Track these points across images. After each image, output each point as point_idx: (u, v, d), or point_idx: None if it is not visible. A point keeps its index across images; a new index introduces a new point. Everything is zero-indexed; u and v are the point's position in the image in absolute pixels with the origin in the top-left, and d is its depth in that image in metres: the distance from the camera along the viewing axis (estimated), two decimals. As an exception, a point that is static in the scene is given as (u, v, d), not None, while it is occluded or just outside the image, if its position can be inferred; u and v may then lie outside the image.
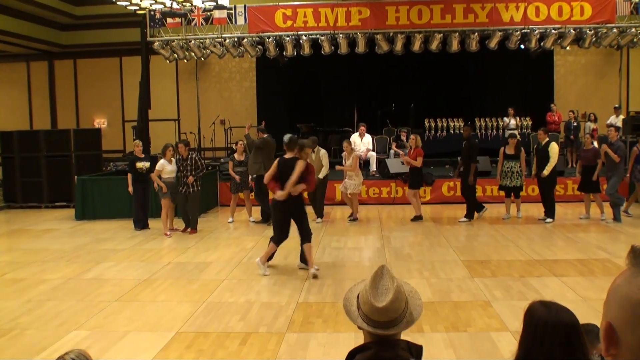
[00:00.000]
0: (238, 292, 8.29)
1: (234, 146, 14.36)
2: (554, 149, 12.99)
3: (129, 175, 13.15)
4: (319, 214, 13.83)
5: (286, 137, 9.35)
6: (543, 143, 13.16)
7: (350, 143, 13.93)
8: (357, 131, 16.89)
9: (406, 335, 2.51)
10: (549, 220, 13.05)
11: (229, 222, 13.82)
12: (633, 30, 16.58)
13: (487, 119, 19.69)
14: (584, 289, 7.95)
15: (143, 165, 13.06)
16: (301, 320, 7.01)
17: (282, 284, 8.65)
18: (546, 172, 12.90)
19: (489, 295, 7.79)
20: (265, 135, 13.77)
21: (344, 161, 13.83)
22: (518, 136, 14.26)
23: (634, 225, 12.61)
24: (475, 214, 13.58)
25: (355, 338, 5.94)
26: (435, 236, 11.94)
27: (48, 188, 17.18)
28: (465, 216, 13.45)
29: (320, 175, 13.44)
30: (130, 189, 13.04)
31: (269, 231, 12.79)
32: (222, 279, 8.95)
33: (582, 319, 2.60)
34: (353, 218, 13.79)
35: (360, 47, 17.13)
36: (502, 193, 13.83)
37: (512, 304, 7.33)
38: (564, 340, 2.42)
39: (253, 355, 5.98)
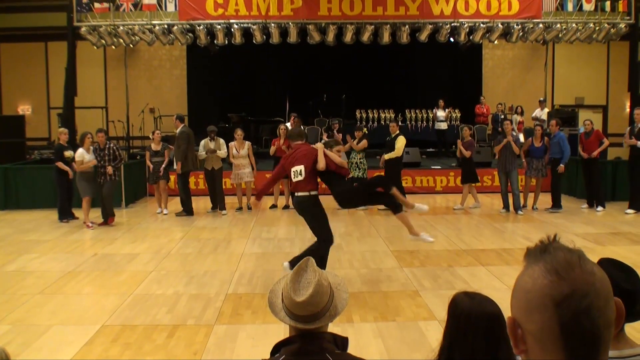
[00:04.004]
0: (166, 283, 8.17)
1: (150, 135, 14.13)
2: (400, 142, 13.48)
3: (60, 164, 12.75)
4: (222, 205, 13.90)
5: None
6: (393, 135, 13.58)
7: (242, 133, 14.05)
8: (288, 121, 16.87)
9: (336, 326, 2.52)
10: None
11: (158, 213, 13.67)
12: (558, 25, 17.04)
13: (417, 111, 19.96)
14: (509, 277, 8.13)
15: (69, 154, 12.69)
16: (230, 311, 6.96)
17: (212, 275, 8.56)
18: (386, 156, 13.50)
19: (417, 285, 7.90)
20: (183, 125, 13.71)
21: (234, 150, 13.88)
22: (365, 129, 14.82)
23: (557, 216, 13.02)
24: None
25: (284, 329, 5.87)
26: (366, 227, 12.03)
27: (-32, 177, 16.53)
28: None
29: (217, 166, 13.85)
30: (71, 173, 12.60)
31: (199, 221, 12.79)
32: (150, 270, 8.81)
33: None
34: (239, 207, 14.25)
35: (292, 37, 17.09)
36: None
37: (440, 293, 7.45)
38: (487, 331, 2.45)
39: (181, 348, 5.91)
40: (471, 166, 14.00)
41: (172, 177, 14.54)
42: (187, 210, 13.48)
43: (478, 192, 14.91)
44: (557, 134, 13.58)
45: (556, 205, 13.57)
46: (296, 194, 7.96)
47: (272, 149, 14.20)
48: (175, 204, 14.13)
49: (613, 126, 21.87)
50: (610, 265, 2.35)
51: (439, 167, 16.70)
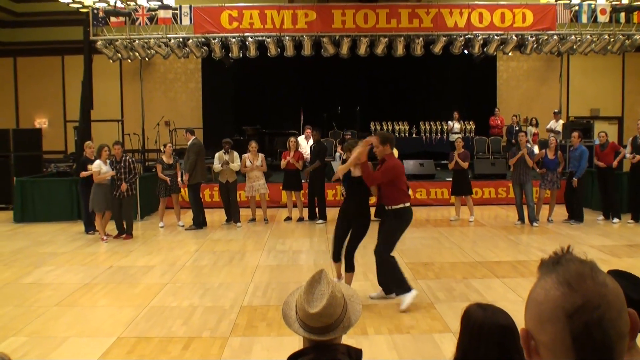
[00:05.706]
0: (181, 295, 8.20)
1: (162, 148, 14.18)
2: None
3: (83, 173, 12.73)
4: (237, 218, 13.92)
5: None
6: None
7: (256, 145, 14.09)
8: (303, 133, 16.92)
9: (350, 337, 2.53)
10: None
11: (161, 227, 13.70)
12: (573, 37, 17.01)
13: (432, 123, 19.93)
14: (524, 289, 8.07)
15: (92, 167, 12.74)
16: (245, 324, 6.96)
17: (226, 287, 8.58)
18: None
19: (432, 297, 7.88)
20: (194, 137, 13.76)
21: (248, 162, 13.86)
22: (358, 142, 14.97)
23: (572, 228, 12.94)
24: None
25: (299, 341, 5.88)
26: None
27: (-14, 190, 16.68)
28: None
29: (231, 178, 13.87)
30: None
31: (214, 233, 12.82)
32: (165, 282, 8.84)
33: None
34: (252, 219, 14.23)
35: (307, 50, 17.16)
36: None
37: (455, 305, 7.41)
38: (499, 342, 2.46)
39: (196, 360, 5.92)
40: (466, 177, 14.09)
41: (183, 190, 14.61)
42: (197, 223, 13.46)
43: (491, 205, 14.87)
44: (579, 147, 13.48)
45: (576, 217, 13.46)
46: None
47: (283, 163, 14.19)
48: (189, 216, 14.17)
49: (629, 137, 21.68)
50: (617, 275, 2.35)
51: (453, 179, 16.66)
